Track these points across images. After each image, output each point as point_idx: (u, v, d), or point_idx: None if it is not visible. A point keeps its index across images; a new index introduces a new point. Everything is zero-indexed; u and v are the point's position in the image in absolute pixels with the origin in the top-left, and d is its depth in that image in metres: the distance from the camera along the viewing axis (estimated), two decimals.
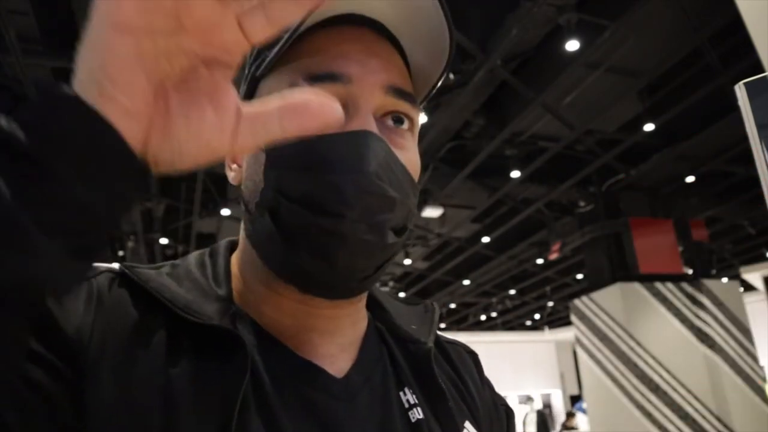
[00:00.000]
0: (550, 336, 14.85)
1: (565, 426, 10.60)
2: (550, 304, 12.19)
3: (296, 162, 0.44)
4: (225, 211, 6.80)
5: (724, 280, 6.87)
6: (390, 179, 0.44)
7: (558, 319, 13.93)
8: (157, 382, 0.41)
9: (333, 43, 0.46)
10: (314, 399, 0.46)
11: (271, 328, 0.49)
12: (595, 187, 6.77)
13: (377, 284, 0.56)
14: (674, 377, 5.97)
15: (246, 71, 0.51)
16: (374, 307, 0.57)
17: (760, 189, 0.66)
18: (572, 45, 4.03)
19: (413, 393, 0.51)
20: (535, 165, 5.71)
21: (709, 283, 6.43)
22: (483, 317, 12.98)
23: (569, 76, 4.44)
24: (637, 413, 5.86)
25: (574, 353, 11.56)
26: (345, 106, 0.44)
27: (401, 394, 0.50)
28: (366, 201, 0.43)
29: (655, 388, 5.92)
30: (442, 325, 11.40)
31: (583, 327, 6.76)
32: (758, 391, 6.13)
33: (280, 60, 0.47)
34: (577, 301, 6.94)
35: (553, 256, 7.86)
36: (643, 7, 3.77)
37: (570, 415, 10.81)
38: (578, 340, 6.89)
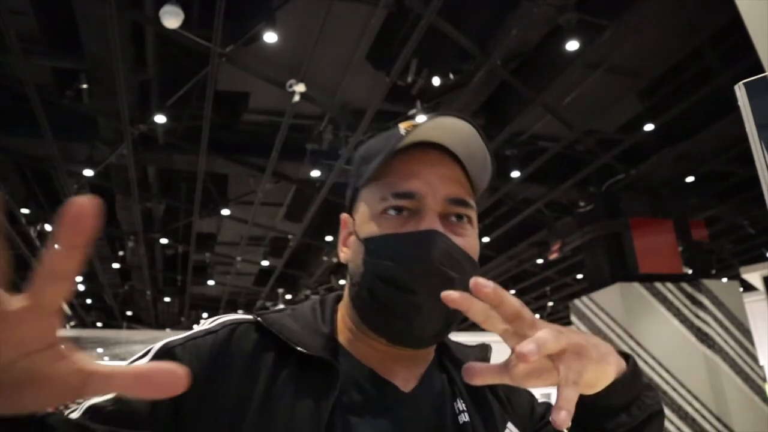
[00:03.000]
0: None
1: None
2: (550, 304, 12.19)
3: (385, 254, 0.63)
4: (225, 211, 6.79)
5: (724, 280, 6.86)
6: (450, 263, 0.62)
7: (558, 319, 13.91)
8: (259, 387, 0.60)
9: (409, 165, 0.65)
10: (388, 405, 0.64)
11: (363, 359, 0.67)
12: (595, 187, 6.76)
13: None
14: (674, 377, 5.96)
15: (351, 181, 0.72)
16: (440, 346, 0.75)
17: (760, 189, 0.66)
18: (572, 45, 4.02)
19: (464, 403, 0.68)
20: (535, 165, 5.71)
21: (708, 283, 6.42)
22: None
23: (569, 76, 4.44)
24: None
25: None
26: (419, 212, 0.64)
27: (455, 403, 0.68)
28: (432, 281, 0.60)
29: (655, 388, 5.91)
30: None
31: (583, 327, 6.75)
32: (758, 391, 6.12)
33: (374, 175, 0.66)
34: (577, 301, 6.94)
35: (553, 256, 7.86)
36: (643, 7, 3.77)
37: None
38: None
